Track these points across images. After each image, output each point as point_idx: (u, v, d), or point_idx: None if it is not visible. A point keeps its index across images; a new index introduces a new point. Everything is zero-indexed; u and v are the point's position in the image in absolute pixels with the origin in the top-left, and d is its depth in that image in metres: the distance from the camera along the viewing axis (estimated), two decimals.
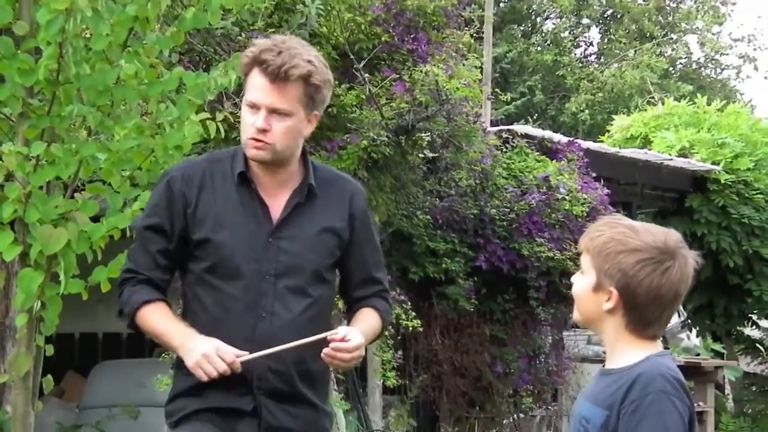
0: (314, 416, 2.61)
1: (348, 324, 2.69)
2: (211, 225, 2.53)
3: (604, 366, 2.27)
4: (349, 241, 2.64)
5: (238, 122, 2.63)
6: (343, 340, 2.48)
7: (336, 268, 2.68)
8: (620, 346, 2.20)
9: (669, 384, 2.11)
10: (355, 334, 2.50)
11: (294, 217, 2.57)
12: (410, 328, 6.48)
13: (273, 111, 2.52)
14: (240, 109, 2.61)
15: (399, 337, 6.97)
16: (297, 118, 2.55)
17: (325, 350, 2.48)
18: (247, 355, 2.46)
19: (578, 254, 2.29)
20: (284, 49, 2.50)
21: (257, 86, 2.51)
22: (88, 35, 3.28)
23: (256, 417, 2.52)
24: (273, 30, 6.02)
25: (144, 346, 7.75)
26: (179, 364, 2.60)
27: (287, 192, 2.59)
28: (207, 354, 2.42)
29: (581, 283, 2.24)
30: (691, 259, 2.19)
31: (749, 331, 11.14)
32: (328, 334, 2.49)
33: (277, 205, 2.58)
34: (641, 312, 2.16)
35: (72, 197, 3.28)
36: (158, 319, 2.55)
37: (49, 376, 3.43)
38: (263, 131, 2.52)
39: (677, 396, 2.10)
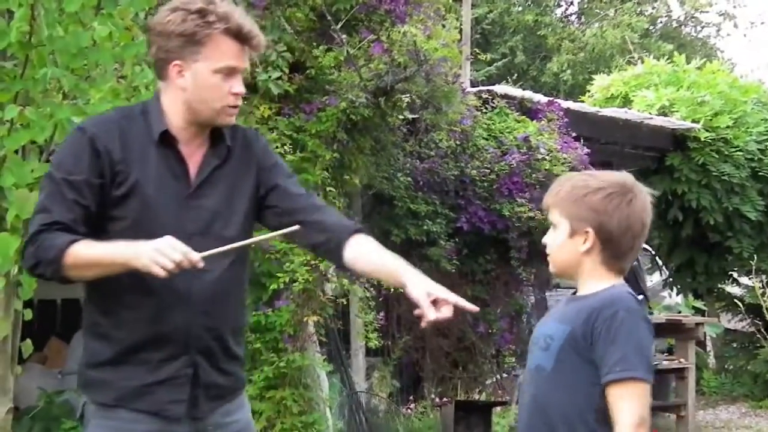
0: (238, 369, 2.62)
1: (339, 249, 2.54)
2: (133, 182, 2.46)
3: (573, 294, 2.47)
4: (268, 185, 2.59)
5: None
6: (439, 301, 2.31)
7: (254, 219, 2.63)
8: (591, 280, 2.40)
9: (637, 307, 2.33)
10: (433, 286, 2.34)
11: (214, 177, 2.54)
12: (392, 290, 6.50)
13: (243, 73, 2.53)
14: None
15: (381, 299, 6.99)
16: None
17: (437, 316, 2.28)
18: (204, 252, 2.33)
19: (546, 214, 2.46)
20: (242, 13, 2.50)
21: (234, 51, 2.47)
22: None
23: (192, 378, 2.49)
24: None
25: None
26: (97, 329, 2.50)
27: (202, 150, 2.55)
28: (158, 247, 2.28)
29: (555, 236, 2.42)
30: (648, 193, 2.44)
31: (730, 288, 11.21)
32: (290, 230, 2.42)
33: (193, 162, 2.54)
34: (616, 244, 2.38)
35: (48, 161, 3.26)
36: (95, 246, 2.37)
37: (28, 341, 3.43)
38: (241, 95, 2.52)
39: (642, 317, 2.32)
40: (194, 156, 2.53)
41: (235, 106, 2.52)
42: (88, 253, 2.35)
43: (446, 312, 2.30)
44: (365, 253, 2.52)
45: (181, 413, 2.47)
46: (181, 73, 2.47)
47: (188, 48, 2.45)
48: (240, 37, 2.47)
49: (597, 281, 2.38)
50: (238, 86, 2.50)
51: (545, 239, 2.45)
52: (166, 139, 2.50)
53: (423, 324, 2.30)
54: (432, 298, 2.30)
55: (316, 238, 2.57)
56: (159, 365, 2.45)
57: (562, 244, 2.40)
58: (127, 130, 2.49)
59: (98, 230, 2.44)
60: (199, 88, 2.47)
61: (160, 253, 2.27)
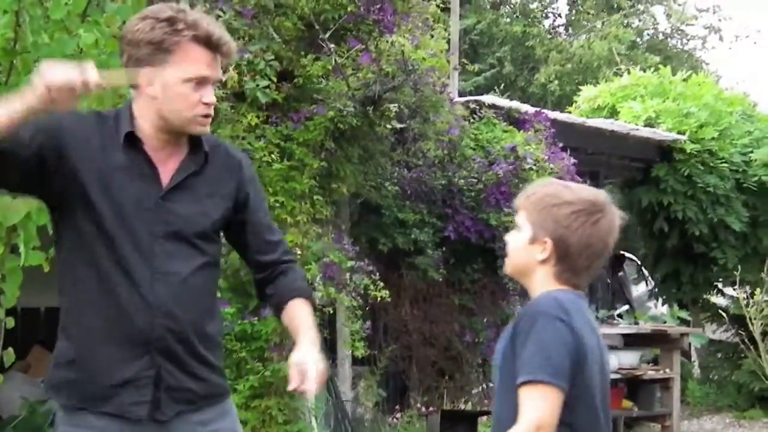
0: (212, 376, 2.59)
1: (267, 296, 2.68)
2: (96, 183, 2.45)
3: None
4: (243, 208, 2.62)
5: None
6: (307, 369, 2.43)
7: (222, 230, 2.65)
8: (542, 290, 2.38)
9: (553, 308, 2.28)
10: (314, 357, 2.47)
11: (187, 182, 2.54)
12: (378, 299, 6.50)
13: (216, 82, 2.52)
14: None
15: (368, 308, 6.98)
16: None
17: (300, 387, 2.43)
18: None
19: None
20: (212, 21, 2.50)
21: (204, 60, 2.46)
22: (46, 4, 3.24)
23: (155, 381, 2.48)
24: (237, 0, 5.98)
25: None
26: (64, 328, 2.51)
27: (177, 157, 2.54)
28: (49, 68, 2.22)
29: (517, 237, 2.44)
30: (618, 215, 2.41)
31: (715, 299, 11.25)
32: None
33: (167, 169, 2.53)
34: (572, 261, 2.36)
35: None
36: None
37: (10, 349, 3.41)
38: (213, 104, 2.51)
39: (560, 319, 2.27)
40: (167, 163, 2.52)
41: (206, 116, 2.50)
42: None
43: (308, 387, 2.42)
44: (290, 315, 2.66)
45: (143, 415, 2.46)
46: (151, 82, 2.46)
47: (157, 56, 2.43)
48: (209, 44, 2.46)
49: (540, 290, 2.38)
50: (209, 95, 2.48)
51: (507, 237, 2.47)
52: (133, 142, 2.49)
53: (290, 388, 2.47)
54: (300, 367, 2.44)
55: (267, 290, 2.69)
56: (120, 366, 2.44)
57: (521, 247, 2.41)
58: (101, 130, 2.50)
59: (67, 229, 2.48)
60: (169, 97, 2.46)
61: (50, 72, 2.22)
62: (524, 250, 2.40)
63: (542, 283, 2.38)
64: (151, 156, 2.50)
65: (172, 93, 2.45)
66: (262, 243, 2.66)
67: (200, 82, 2.46)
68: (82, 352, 2.47)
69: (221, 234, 2.66)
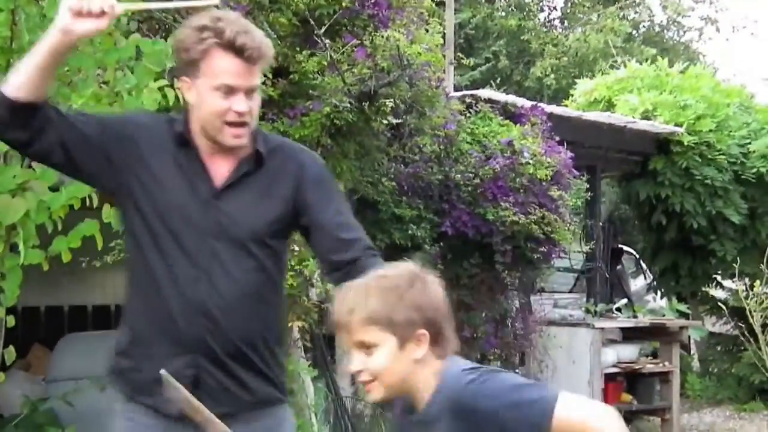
0: (262, 384, 2.55)
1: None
2: (143, 181, 2.49)
3: (413, 412, 2.14)
4: (304, 211, 2.59)
5: None
6: None
7: (284, 237, 2.63)
8: (427, 385, 2.10)
9: (462, 371, 2.06)
10: None
11: (240, 183, 2.54)
12: None
13: (250, 91, 2.50)
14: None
15: None
16: (259, 89, 2.57)
17: None
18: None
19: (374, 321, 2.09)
20: (250, 30, 2.49)
21: (231, 69, 2.44)
22: (42, 2, 3.23)
23: (195, 381, 2.48)
24: None
25: (110, 318, 7.71)
26: (124, 316, 2.58)
27: (233, 159, 2.55)
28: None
29: (380, 355, 2.08)
30: (432, 277, 2.18)
31: (714, 292, 11.26)
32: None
33: (220, 170, 2.54)
34: (441, 334, 2.11)
35: (30, 167, 3.25)
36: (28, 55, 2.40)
37: (11, 348, 3.42)
38: (246, 113, 2.50)
39: (484, 379, 2.03)
40: (220, 165, 2.54)
41: (237, 124, 2.49)
42: (25, 61, 2.41)
43: None
44: None
45: (174, 413, 2.45)
46: (189, 90, 2.51)
47: (190, 65, 2.47)
48: (235, 50, 2.44)
49: (430, 383, 2.09)
50: (239, 104, 2.47)
51: (357, 367, 2.10)
52: (185, 142, 2.53)
53: None
54: None
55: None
56: (161, 362, 2.45)
57: (393, 359, 2.06)
58: (162, 130, 2.56)
59: (125, 221, 2.55)
60: (201, 105, 2.49)
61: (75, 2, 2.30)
62: (398, 362, 2.06)
63: (427, 377, 2.09)
64: (203, 157, 2.53)
65: (204, 101, 2.48)
66: (334, 242, 2.56)
67: (228, 91, 2.46)
68: (134, 343, 2.53)
69: (284, 242, 2.63)
